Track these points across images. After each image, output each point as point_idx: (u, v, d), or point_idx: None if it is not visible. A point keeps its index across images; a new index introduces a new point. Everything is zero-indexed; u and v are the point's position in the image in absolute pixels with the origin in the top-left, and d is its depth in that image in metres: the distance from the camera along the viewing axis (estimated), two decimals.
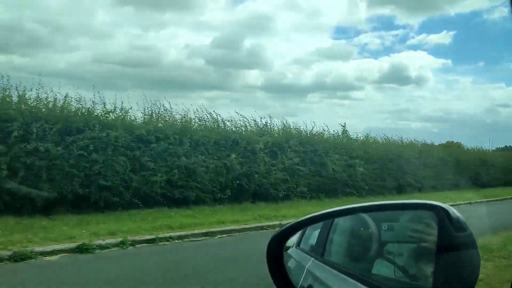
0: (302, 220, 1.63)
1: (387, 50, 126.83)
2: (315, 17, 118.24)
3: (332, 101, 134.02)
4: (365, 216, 1.60)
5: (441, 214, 1.13)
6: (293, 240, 2.03)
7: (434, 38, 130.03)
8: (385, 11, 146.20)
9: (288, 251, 2.04)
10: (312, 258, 1.99)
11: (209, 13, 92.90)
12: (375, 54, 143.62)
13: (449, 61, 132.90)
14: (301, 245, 2.18)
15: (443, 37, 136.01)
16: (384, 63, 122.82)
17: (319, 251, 1.97)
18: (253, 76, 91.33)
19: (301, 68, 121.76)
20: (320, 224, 1.96)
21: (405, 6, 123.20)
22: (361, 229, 1.72)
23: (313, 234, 2.09)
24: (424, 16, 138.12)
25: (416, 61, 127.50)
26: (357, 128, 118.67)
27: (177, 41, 76.03)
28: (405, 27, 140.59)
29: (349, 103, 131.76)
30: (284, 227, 1.64)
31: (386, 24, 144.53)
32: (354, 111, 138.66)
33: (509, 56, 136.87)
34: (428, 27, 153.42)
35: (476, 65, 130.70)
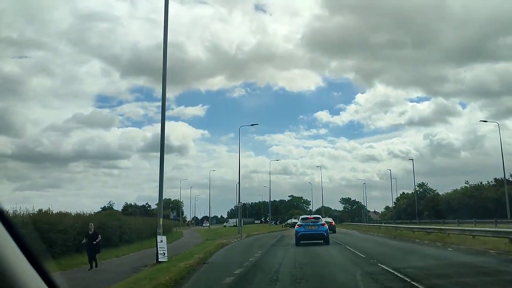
0: None
1: (150, 120, 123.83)
2: (73, 84, 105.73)
3: (99, 171, 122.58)
4: None
5: None
6: None
7: (191, 111, 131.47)
8: (139, 82, 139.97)
9: None
10: None
11: None
12: (139, 124, 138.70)
13: (206, 132, 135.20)
14: None
15: (199, 110, 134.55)
16: (147, 132, 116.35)
17: None
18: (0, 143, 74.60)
19: (60, 135, 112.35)
20: None
21: (158, 79, 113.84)
22: None
23: None
24: (180, 90, 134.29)
25: (178, 131, 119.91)
26: (129, 198, 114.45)
27: None
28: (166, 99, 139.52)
29: (118, 172, 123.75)
30: None
31: (147, 95, 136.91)
32: (125, 180, 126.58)
33: (252, 129, 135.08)
34: (185, 100, 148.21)
35: (228, 136, 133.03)
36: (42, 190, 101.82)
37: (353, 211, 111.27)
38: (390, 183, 77.66)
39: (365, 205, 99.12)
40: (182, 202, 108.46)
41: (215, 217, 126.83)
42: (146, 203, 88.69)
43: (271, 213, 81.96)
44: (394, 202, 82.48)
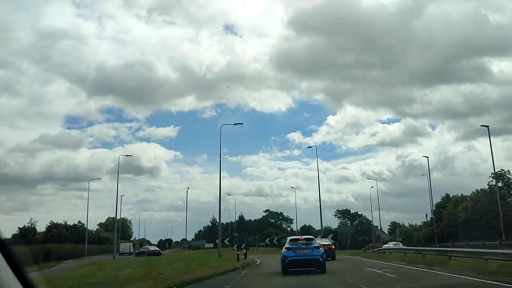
0: None
1: (121, 141, 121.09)
2: (40, 104, 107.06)
3: (69, 193, 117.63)
4: None
5: None
6: None
7: (163, 131, 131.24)
8: (108, 102, 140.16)
9: None
10: None
11: None
12: (109, 145, 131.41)
13: (179, 153, 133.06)
14: None
15: (171, 131, 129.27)
16: (118, 154, 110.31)
17: None
18: None
19: (26, 157, 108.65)
20: None
21: (127, 99, 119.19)
22: None
23: None
24: (150, 110, 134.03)
25: (149, 152, 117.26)
26: (102, 221, 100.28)
27: None
28: (136, 120, 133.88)
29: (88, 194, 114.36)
30: None
31: (118, 116, 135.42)
32: (96, 203, 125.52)
33: (226, 149, 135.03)
34: (156, 121, 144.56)
35: (201, 157, 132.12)
36: (9, 213, 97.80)
37: (356, 228, 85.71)
38: (367, 204, 64.05)
39: (372, 220, 75.83)
40: (130, 221, 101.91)
41: (185, 239, 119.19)
42: (79, 222, 77.46)
43: (219, 232, 44.71)
44: (433, 211, 57.35)
